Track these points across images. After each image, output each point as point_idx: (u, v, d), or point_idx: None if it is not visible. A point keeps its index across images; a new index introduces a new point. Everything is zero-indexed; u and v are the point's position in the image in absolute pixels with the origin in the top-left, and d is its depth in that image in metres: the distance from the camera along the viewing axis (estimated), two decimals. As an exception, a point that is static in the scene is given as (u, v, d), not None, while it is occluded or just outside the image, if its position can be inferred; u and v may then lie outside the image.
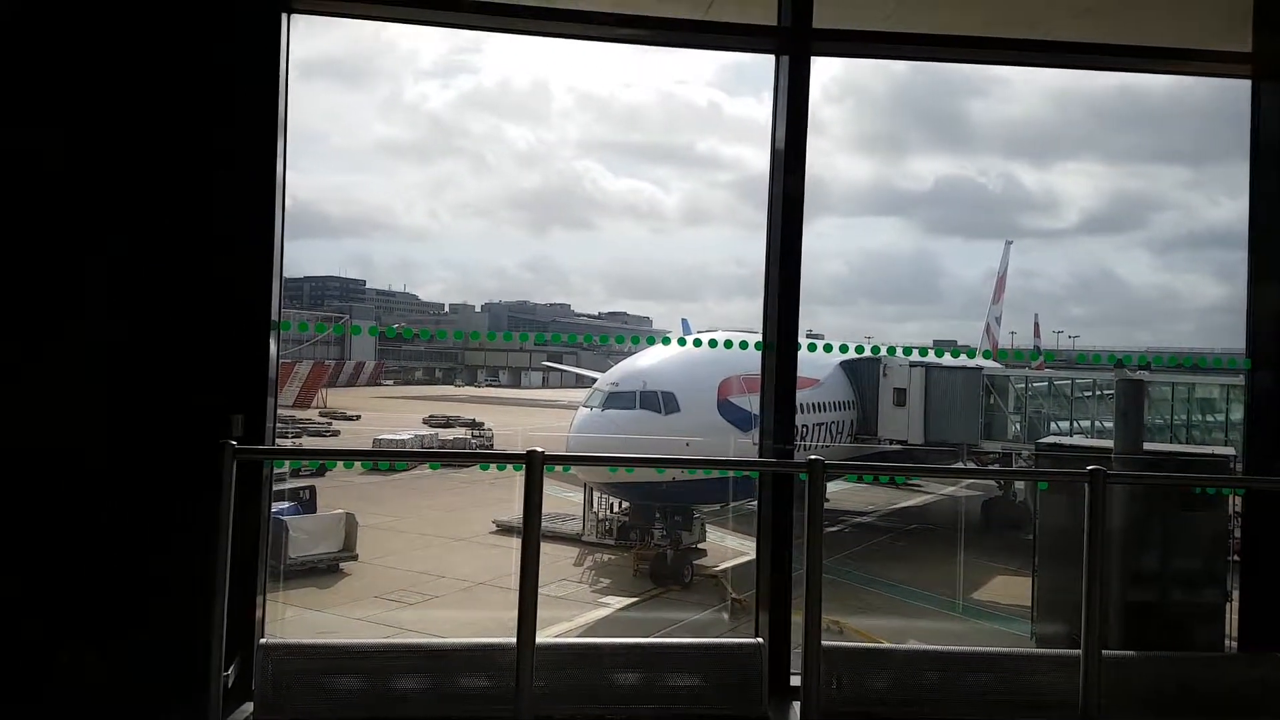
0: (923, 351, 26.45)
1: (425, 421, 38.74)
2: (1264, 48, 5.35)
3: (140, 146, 4.46)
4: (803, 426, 23.84)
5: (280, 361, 4.83)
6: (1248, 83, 5.53)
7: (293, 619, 15.76)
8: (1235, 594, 5.51)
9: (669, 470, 18.53)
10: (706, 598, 19.70)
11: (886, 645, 5.18)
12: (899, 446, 25.53)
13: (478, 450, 27.91)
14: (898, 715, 4.65)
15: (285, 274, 4.77)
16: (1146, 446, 6.56)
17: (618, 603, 19.42)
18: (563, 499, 23.51)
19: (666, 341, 24.98)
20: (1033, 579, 6.00)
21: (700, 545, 21.78)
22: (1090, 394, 26.01)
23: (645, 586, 20.51)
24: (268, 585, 4.72)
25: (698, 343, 22.76)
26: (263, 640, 4.40)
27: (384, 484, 27.68)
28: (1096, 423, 24.65)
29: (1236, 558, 5.53)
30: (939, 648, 4.95)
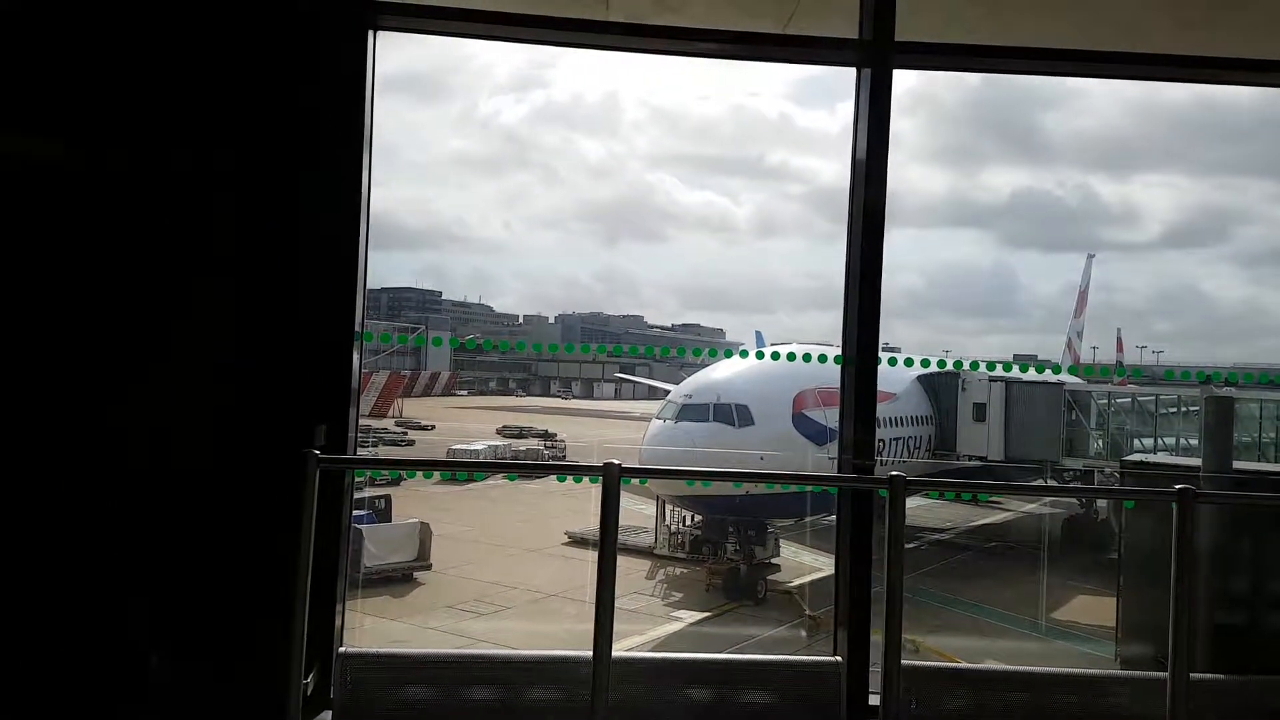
0: (1006, 367, 25.73)
1: (498, 432, 39.26)
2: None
3: (234, 162, 4.63)
4: (879, 441, 23.33)
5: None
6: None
7: (369, 628, 16.10)
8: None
9: (743, 484, 18.37)
10: (781, 614, 19.45)
11: (965, 665, 5.06)
12: (978, 463, 24.85)
13: (554, 462, 28.13)
14: None
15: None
16: (1234, 465, 6.31)
17: (690, 617, 19.31)
18: (634, 511, 23.53)
19: (744, 354, 24.84)
20: (1117, 599, 5.80)
21: (774, 560, 21.53)
22: (1175, 411, 24.97)
23: (718, 601, 20.35)
24: (348, 595, 4.81)
25: (774, 355, 22.57)
26: (341, 649, 4.48)
27: (458, 494, 28.12)
28: (1181, 440, 23.66)
29: None
30: (1020, 668, 4.80)
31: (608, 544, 4.04)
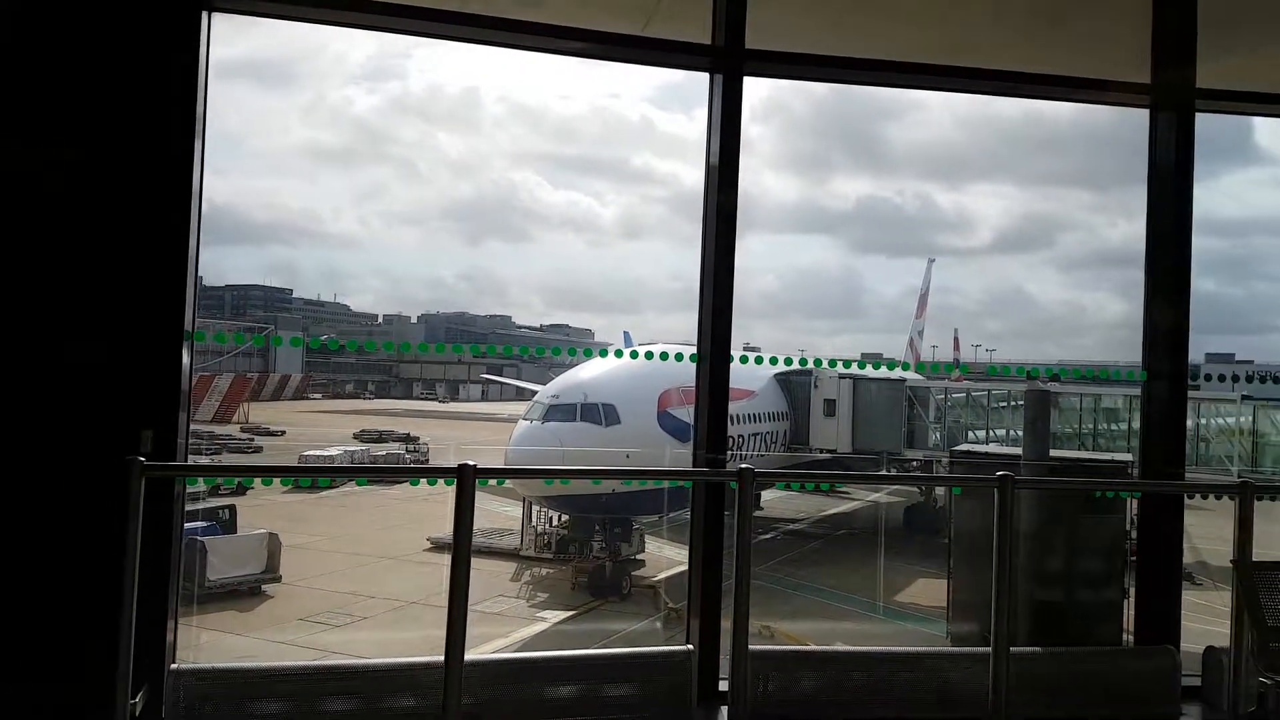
0: (848, 364, 27.24)
1: (356, 436, 37.92)
2: (1161, 80, 5.67)
3: (47, 145, 4.28)
4: (739, 437, 24.20)
5: (198, 374, 4.67)
6: (1145, 112, 5.85)
7: (210, 644, 15.22)
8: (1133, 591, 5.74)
9: (608, 481, 18.54)
10: (645, 608, 19.72)
11: (812, 648, 5.30)
12: (829, 455, 26.13)
13: (407, 465, 27.41)
14: (824, 715, 4.73)
15: (205, 282, 4.62)
16: (1053, 453, 6.84)
17: (555, 617, 19.28)
18: (501, 514, 23.26)
19: (605, 354, 25.03)
20: (948, 581, 6.19)
21: (639, 556, 21.83)
22: (1005, 404, 27.06)
23: (584, 599, 20.42)
24: (184, 609, 4.57)
25: (637, 355, 22.87)
26: (174, 666, 4.24)
27: (311, 502, 26.93)
28: (1010, 432, 25.64)
29: (1134, 558, 5.78)
30: (862, 648, 5.07)
31: (462, 546, 3.99)
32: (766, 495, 28.30)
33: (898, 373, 29.19)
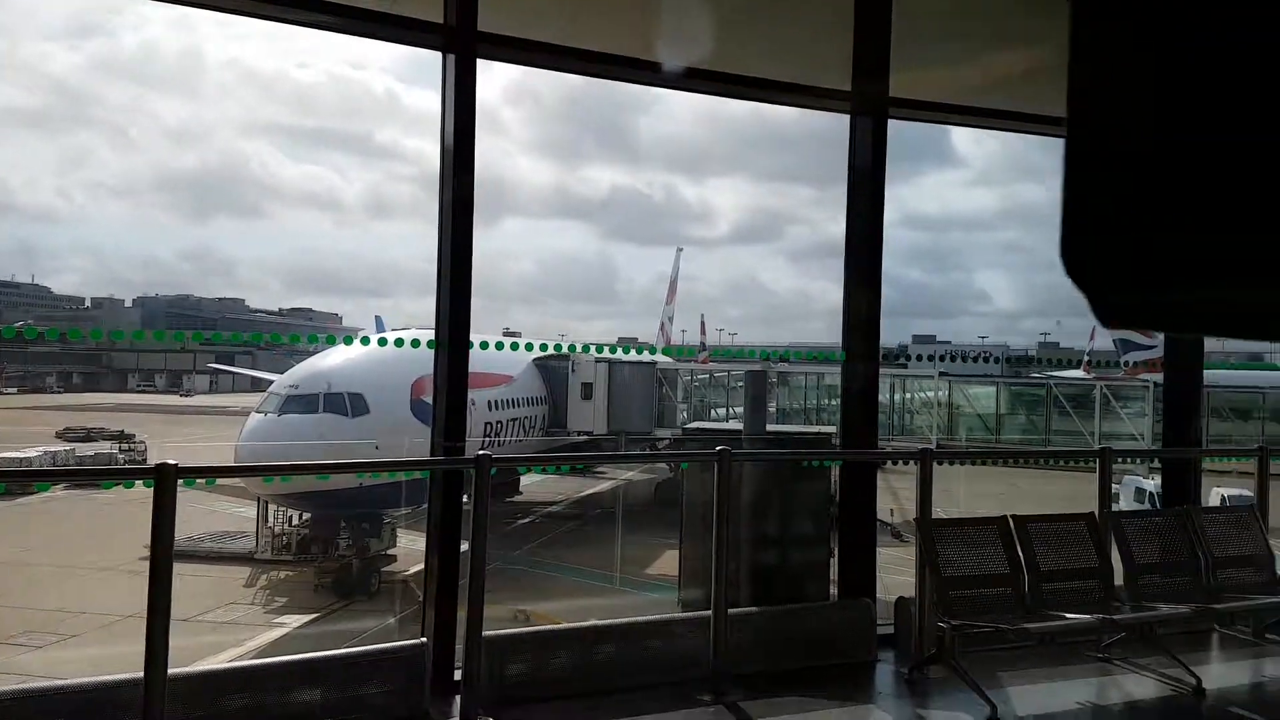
0: (610, 349, 28.10)
1: (60, 435, 33.48)
2: (859, 88, 6.30)
3: None
4: (497, 423, 24.06)
5: None
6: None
7: None
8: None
9: (347, 476, 17.64)
10: (394, 605, 19.09)
11: (547, 627, 5.41)
12: (585, 437, 26.77)
13: (99, 468, 24.52)
14: (570, 692, 4.86)
15: None
16: (771, 428, 7.41)
17: (296, 620, 18.14)
18: (234, 514, 21.46)
19: (365, 341, 23.77)
20: (680, 550, 6.57)
21: (390, 551, 21.04)
22: (743, 384, 29.27)
23: (328, 600, 19.37)
24: None
25: (387, 342, 21.97)
26: None
27: (5, 510, 23.40)
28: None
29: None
30: (595, 623, 5.25)
31: (161, 554, 3.67)
32: (526, 480, 28.42)
33: (650, 356, 30.53)
